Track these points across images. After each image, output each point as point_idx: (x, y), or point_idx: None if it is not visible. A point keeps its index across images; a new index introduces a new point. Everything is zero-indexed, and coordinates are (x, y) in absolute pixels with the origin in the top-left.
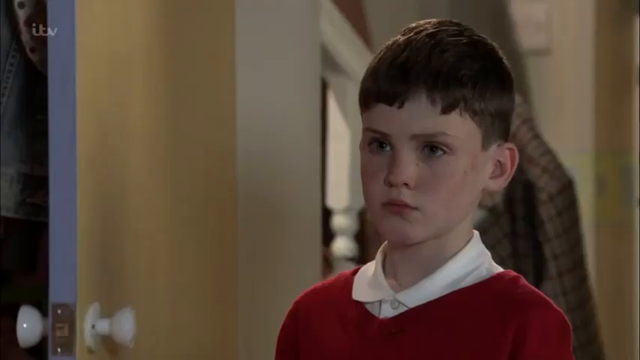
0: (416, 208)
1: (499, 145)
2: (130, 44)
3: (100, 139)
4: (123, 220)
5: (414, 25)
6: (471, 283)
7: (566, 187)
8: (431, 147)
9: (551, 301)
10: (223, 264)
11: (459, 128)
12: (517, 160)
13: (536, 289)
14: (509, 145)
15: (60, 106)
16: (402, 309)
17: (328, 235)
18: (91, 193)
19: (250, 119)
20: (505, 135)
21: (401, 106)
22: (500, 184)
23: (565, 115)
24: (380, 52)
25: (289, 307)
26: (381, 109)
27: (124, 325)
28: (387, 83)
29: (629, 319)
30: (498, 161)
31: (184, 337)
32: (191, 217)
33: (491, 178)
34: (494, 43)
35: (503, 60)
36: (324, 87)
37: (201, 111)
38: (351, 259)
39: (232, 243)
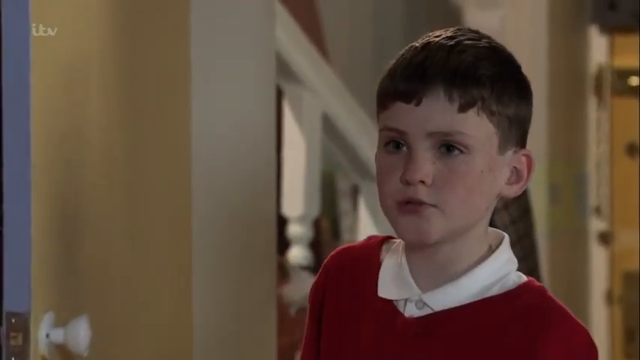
0: (433, 205)
1: (515, 152)
2: (85, 50)
3: (54, 145)
4: (77, 228)
5: (431, 33)
6: (497, 293)
7: (521, 196)
8: (447, 146)
9: (577, 319)
10: (178, 271)
11: (476, 128)
12: (534, 168)
13: (562, 305)
14: (526, 151)
15: (14, 111)
16: (428, 311)
17: (283, 244)
18: (45, 201)
19: (205, 127)
20: (521, 142)
21: (418, 103)
22: (515, 191)
23: None
24: (398, 56)
25: (244, 315)
26: (398, 107)
27: (79, 334)
28: (405, 82)
29: None
30: (515, 167)
31: (140, 343)
32: (146, 224)
33: (507, 184)
34: (511, 52)
35: (521, 69)
36: (279, 95)
37: (157, 117)
38: (306, 268)
39: (187, 250)
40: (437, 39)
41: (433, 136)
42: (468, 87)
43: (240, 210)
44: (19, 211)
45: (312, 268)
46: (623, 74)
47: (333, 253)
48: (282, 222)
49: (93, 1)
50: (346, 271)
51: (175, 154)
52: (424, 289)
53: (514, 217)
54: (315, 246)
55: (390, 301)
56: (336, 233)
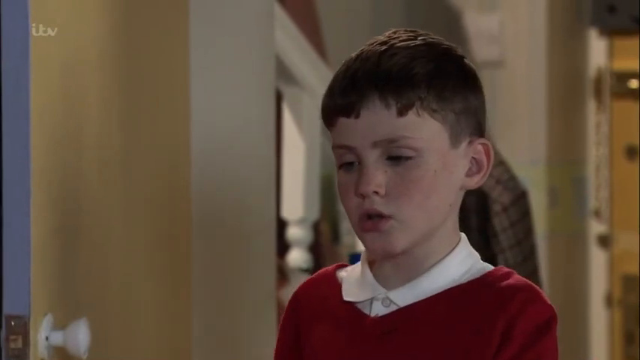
0: (390, 217)
1: (470, 142)
2: (84, 54)
3: (54, 147)
4: (76, 231)
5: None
6: (465, 281)
7: (520, 198)
8: (396, 152)
9: (542, 293)
10: (177, 275)
11: (420, 129)
12: (492, 155)
13: (529, 282)
14: (482, 140)
15: (13, 112)
16: (394, 307)
17: (283, 247)
18: (44, 205)
19: (205, 130)
20: (477, 131)
21: (357, 116)
22: (477, 181)
23: (518, 127)
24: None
25: (243, 317)
26: (342, 123)
27: (78, 337)
28: (341, 96)
29: (582, 330)
30: (473, 158)
31: (138, 347)
32: (145, 228)
33: (468, 175)
34: (452, 45)
35: (464, 59)
36: (279, 98)
37: (156, 121)
38: (306, 271)
39: (186, 254)
40: (370, 47)
41: (379, 145)
42: (403, 89)
43: (239, 213)
44: (18, 214)
45: (312, 271)
46: (623, 77)
47: (295, 290)
48: (281, 225)
49: (93, 1)
50: (312, 296)
51: (174, 156)
52: (390, 288)
53: (513, 220)
54: (315, 249)
55: (355, 306)
56: (335, 236)
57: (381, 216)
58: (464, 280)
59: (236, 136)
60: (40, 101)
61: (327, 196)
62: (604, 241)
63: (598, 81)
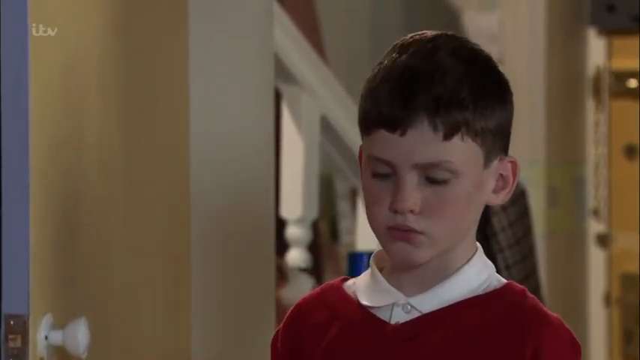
0: (422, 233)
1: (500, 160)
2: (84, 54)
3: (53, 146)
4: (76, 230)
5: (409, 40)
6: (483, 292)
7: (519, 198)
8: (435, 175)
9: (561, 320)
10: (177, 274)
11: (462, 153)
12: (519, 172)
13: (542, 305)
14: (511, 158)
15: (13, 116)
16: (415, 314)
17: (282, 246)
18: (44, 203)
19: (204, 129)
20: (506, 148)
21: (403, 134)
22: (502, 198)
23: (517, 127)
24: (377, 71)
25: (242, 317)
26: (383, 136)
27: (77, 336)
28: (389, 109)
29: (581, 329)
30: (500, 175)
31: (138, 346)
32: (145, 227)
33: (494, 192)
34: (488, 53)
35: (499, 69)
36: (278, 97)
37: (156, 121)
38: (305, 270)
39: (186, 253)
40: (418, 60)
41: (420, 167)
42: (452, 113)
43: (238, 212)
44: (17, 213)
45: (311, 271)
46: (622, 76)
47: (296, 302)
48: (280, 224)
49: (93, 1)
50: (318, 307)
51: (174, 156)
52: (408, 295)
53: (512, 220)
54: (314, 248)
55: (370, 312)
56: (334, 235)
57: (411, 231)
58: (481, 290)
59: (235, 135)
60: (40, 101)
61: (326, 195)
62: (603, 240)
63: (597, 80)
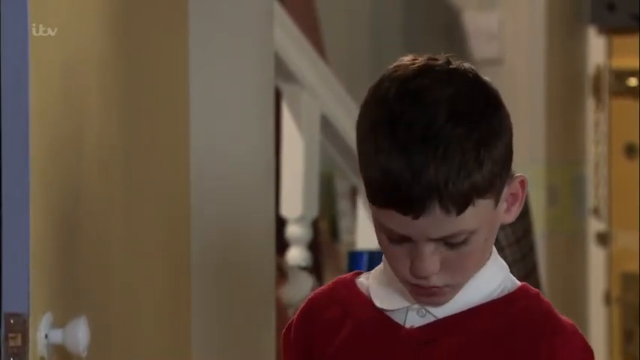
0: (446, 286)
1: (508, 184)
2: (84, 54)
3: (53, 146)
4: (76, 229)
5: (397, 79)
6: (500, 295)
7: None
8: (452, 241)
9: (575, 326)
10: (177, 272)
11: (475, 216)
12: (527, 186)
13: (556, 310)
14: (519, 177)
15: (13, 116)
16: (430, 318)
17: (282, 244)
18: (44, 203)
19: (204, 128)
20: (510, 169)
21: (416, 218)
22: (514, 214)
23: (517, 126)
24: (377, 130)
25: (242, 316)
26: (394, 215)
27: (77, 335)
28: (395, 196)
29: (581, 328)
30: (511, 194)
31: (138, 346)
32: (145, 226)
33: (507, 212)
34: (481, 76)
35: (490, 88)
36: (278, 96)
37: (156, 121)
38: (305, 269)
39: (186, 252)
40: (415, 139)
41: (436, 239)
42: (462, 190)
43: (238, 211)
44: (17, 212)
45: (311, 269)
46: (622, 75)
47: (309, 296)
48: (280, 223)
49: (93, 1)
50: (331, 303)
51: (174, 155)
52: None
53: None
54: (314, 247)
55: (385, 314)
56: (334, 234)
57: (435, 286)
58: (496, 294)
59: (235, 134)
60: (40, 101)
61: (326, 194)
62: (603, 239)
63: (597, 79)
